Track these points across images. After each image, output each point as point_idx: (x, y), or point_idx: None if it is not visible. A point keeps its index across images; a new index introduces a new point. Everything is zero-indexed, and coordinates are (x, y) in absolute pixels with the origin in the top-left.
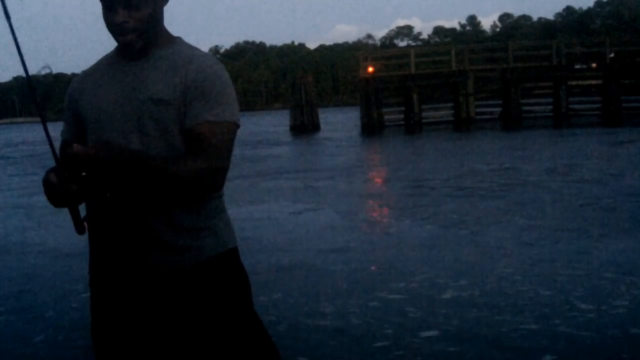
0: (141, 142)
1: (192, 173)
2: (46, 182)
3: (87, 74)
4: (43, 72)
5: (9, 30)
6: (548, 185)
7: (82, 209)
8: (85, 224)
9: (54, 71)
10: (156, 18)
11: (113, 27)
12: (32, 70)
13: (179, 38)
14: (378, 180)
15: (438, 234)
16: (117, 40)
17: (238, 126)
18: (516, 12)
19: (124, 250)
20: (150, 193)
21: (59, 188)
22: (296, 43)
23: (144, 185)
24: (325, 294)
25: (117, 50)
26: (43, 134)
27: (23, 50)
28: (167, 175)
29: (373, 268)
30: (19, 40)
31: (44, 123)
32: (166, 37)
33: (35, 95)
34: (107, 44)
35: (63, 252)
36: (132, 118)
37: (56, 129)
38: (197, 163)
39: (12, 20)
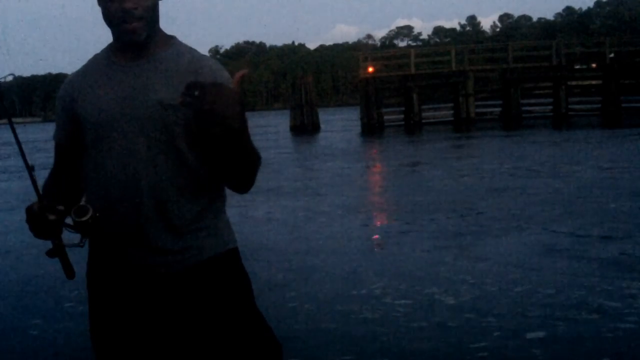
0: (147, 145)
1: (258, 159)
2: (28, 210)
3: (83, 73)
4: (8, 79)
5: (8, 31)
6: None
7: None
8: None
9: (54, 71)
10: (157, 10)
11: (120, 14)
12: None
13: (175, 38)
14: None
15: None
16: (121, 30)
17: None
18: (516, 12)
19: (122, 253)
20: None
21: (38, 217)
22: (296, 43)
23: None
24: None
25: (111, 49)
26: (43, 134)
27: (23, 50)
28: (253, 154)
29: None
30: (19, 39)
31: (14, 132)
32: (163, 36)
33: (2, 100)
34: (106, 44)
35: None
36: (136, 120)
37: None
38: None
39: (15, 19)
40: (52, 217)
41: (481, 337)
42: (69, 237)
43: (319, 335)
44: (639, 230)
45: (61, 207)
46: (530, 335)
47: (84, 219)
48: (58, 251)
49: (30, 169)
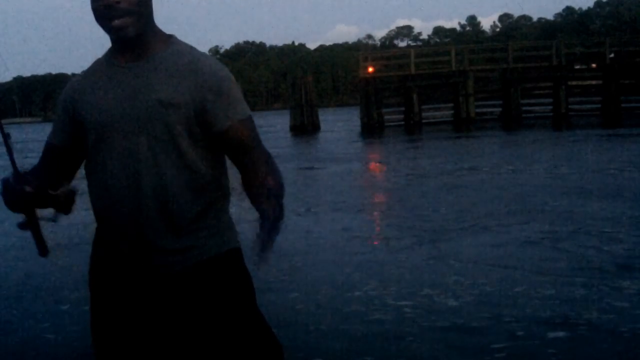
0: (148, 145)
1: (280, 182)
2: (4, 182)
3: (84, 75)
4: None
5: (8, 31)
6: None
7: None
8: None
9: (54, 71)
10: (149, 4)
11: (103, 10)
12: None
13: (174, 37)
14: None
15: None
16: (109, 27)
17: None
18: (516, 12)
19: (124, 253)
20: None
21: (15, 188)
22: (296, 43)
23: None
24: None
25: (111, 51)
26: (42, 134)
27: (24, 50)
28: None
29: None
30: (18, 40)
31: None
32: (161, 36)
33: None
34: (106, 44)
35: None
36: (138, 120)
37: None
38: (270, 172)
39: (10, 19)
40: (28, 189)
41: (498, 337)
42: (44, 213)
43: (332, 336)
44: (637, 230)
45: (31, 188)
46: (550, 335)
47: (57, 192)
48: (30, 224)
49: (5, 136)
